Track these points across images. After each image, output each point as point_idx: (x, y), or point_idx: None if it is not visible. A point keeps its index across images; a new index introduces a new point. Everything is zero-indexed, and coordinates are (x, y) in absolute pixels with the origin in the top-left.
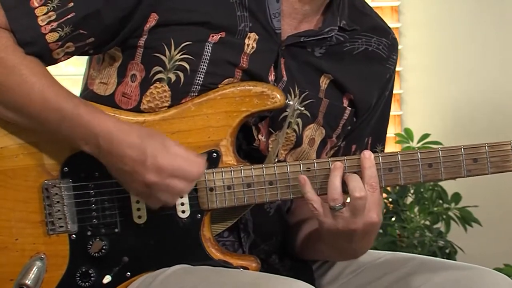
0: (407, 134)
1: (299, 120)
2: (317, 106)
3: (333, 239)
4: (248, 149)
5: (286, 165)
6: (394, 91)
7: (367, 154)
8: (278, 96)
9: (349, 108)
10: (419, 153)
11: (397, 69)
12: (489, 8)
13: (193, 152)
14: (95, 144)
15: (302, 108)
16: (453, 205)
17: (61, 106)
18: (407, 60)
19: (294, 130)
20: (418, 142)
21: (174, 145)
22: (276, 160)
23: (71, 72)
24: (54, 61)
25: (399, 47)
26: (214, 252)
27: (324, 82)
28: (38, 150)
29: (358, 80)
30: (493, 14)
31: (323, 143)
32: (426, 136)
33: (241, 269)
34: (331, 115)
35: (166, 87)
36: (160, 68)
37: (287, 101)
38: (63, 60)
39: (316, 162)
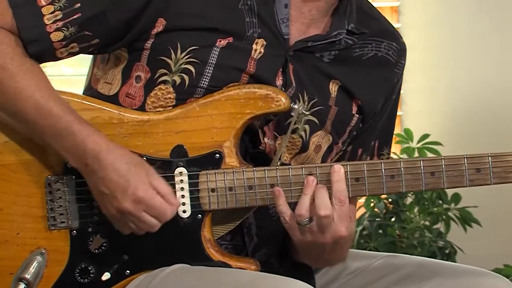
0: (407, 135)
1: (306, 126)
2: (326, 113)
3: (305, 249)
4: (254, 152)
5: (289, 169)
6: None
7: (337, 168)
8: (283, 99)
9: (357, 115)
10: (421, 161)
11: None
12: (488, 8)
13: (172, 192)
14: (83, 162)
15: (307, 113)
16: (452, 205)
17: (54, 123)
18: (407, 61)
19: (301, 136)
20: (418, 142)
21: (158, 180)
22: (279, 163)
23: (69, 73)
24: (57, 59)
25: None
26: (214, 253)
27: (333, 89)
28: (41, 145)
29: (366, 86)
30: (493, 14)
31: (329, 149)
32: (426, 136)
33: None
34: (339, 122)
35: (171, 89)
36: (166, 71)
37: (292, 104)
38: (66, 58)
39: (318, 166)
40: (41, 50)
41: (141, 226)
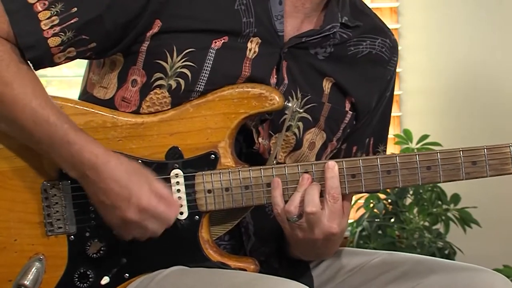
0: (406, 135)
1: (300, 123)
2: (319, 110)
3: (297, 243)
4: (249, 152)
5: (284, 167)
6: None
7: (331, 165)
8: (276, 97)
9: (351, 112)
10: (417, 156)
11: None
12: (487, 9)
13: (171, 195)
14: (81, 172)
15: (301, 110)
16: (452, 206)
17: (50, 132)
18: (406, 61)
19: (294, 134)
20: (417, 143)
21: (158, 184)
22: (275, 162)
23: (69, 74)
24: (55, 65)
25: (398, 48)
26: (212, 254)
27: (327, 86)
28: (37, 152)
29: (360, 84)
30: (492, 15)
31: (323, 146)
32: (425, 137)
33: (238, 270)
34: (333, 119)
35: (166, 94)
36: (161, 75)
37: (286, 103)
38: (63, 63)
39: (314, 164)
40: (39, 56)
41: (145, 233)
